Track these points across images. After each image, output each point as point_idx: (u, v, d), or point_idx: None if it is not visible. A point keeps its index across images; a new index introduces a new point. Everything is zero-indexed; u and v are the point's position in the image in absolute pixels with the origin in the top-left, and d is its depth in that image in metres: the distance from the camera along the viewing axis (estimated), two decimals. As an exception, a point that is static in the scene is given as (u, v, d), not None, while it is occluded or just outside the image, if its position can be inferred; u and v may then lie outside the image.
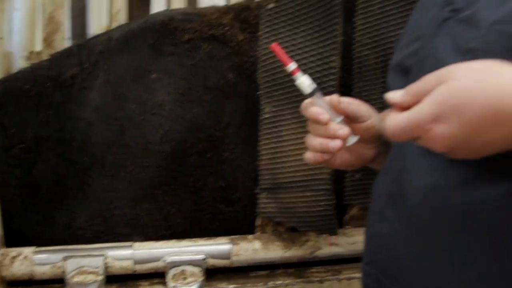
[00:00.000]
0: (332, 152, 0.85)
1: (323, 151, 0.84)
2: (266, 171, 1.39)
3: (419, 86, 0.66)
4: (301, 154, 1.31)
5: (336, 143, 0.82)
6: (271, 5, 1.34)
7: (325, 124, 0.82)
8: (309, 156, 0.89)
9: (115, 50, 1.49)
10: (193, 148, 1.46)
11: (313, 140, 0.86)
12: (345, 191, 1.43)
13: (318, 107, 0.83)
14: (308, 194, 1.32)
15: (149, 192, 1.44)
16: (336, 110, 0.84)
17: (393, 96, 0.68)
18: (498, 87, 0.60)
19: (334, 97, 0.85)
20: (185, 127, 1.47)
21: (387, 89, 0.90)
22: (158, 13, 1.68)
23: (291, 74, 0.83)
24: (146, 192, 1.44)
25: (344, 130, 0.82)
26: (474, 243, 0.69)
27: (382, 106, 1.28)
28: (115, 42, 1.50)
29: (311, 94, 0.83)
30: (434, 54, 0.76)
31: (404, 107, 0.67)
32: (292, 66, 0.82)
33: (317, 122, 0.83)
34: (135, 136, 1.46)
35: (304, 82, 0.82)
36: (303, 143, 1.20)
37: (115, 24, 1.75)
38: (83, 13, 1.79)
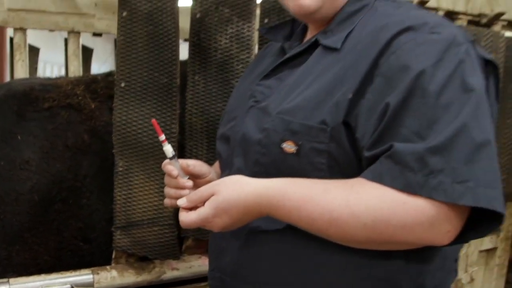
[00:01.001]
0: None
1: (177, 197, 1.23)
2: (120, 212, 1.76)
3: (196, 196, 1.12)
4: (149, 198, 1.74)
5: (185, 192, 1.23)
6: (123, 84, 1.74)
7: (175, 178, 1.24)
8: (166, 201, 1.31)
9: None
10: (57, 197, 1.79)
11: (169, 190, 1.28)
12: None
13: (172, 167, 1.25)
14: (156, 228, 1.73)
15: (20, 235, 1.73)
16: (185, 171, 1.27)
17: (180, 203, 1.14)
18: (244, 194, 1.07)
19: (184, 162, 1.28)
20: (50, 180, 1.78)
21: (217, 152, 1.36)
22: (18, 82, 1.97)
23: (161, 142, 1.22)
24: (17, 235, 1.73)
25: (189, 183, 1.25)
26: (275, 255, 1.16)
27: (207, 160, 1.76)
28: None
29: (171, 158, 1.25)
30: (244, 130, 1.22)
31: (188, 209, 1.12)
32: (163, 137, 1.22)
33: (171, 176, 1.26)
34: (6, 188, 1.74)
35: (168, 149, 1.23)
36: (150, 189, 1.68)
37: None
38: None
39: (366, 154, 1.02)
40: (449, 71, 1.00)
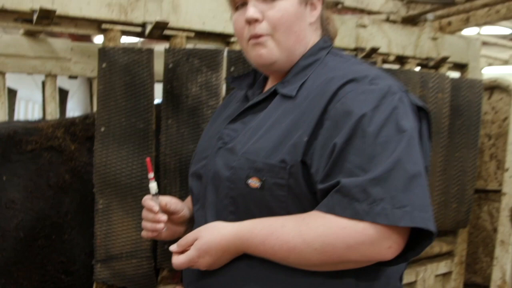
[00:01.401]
0: (158, 231, 1.43)
1: (153, 230, 1.43)
2: (100, 247, 1.91)
3: (184, 241, 1.31)
4: (127, 233, 1.90)
5: (160, 225, 1.41)
6: (103, 129, 1.91)
7: (155, 213, 1.41)
8: (144, 234, 1.47)
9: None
10: (41, 233, 1.93)
11: (146, 224, 1.45)
12: (157, 258, 2.01)
13: (154, 203, 1.41)
14: (134, 261, 1.89)
15: (6, 270, 1.86)
16: (162, 208, 1.43)
17: (172, 248, 1.33)
18: (220, 236, 1.27)
19: (162, 200, 1.45)
20: (34, 217, 1.93)
21: (189, 188, 1.53)
22: (1, 126, 2.11)
23: (149, 179, 1.39)
24: (3, 269, 1.86)
25: (164, 217, 1.41)
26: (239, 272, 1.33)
27: (180, 196, 1.93)
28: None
29: (154, 195, 1.41)
30: (214, 168, 1.40)
31: (180, 252, 1.31)
32: (152, 174, 1.40)
33: (151, 211, 1.42)
34: (-7, 225, 1.88)
35: (154, 186, 1.40)
36: (128, 225, 1.84)
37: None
38: None
39: (319, 186, 1.22)
40: (385, 115, 1.22)
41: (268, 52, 1.38)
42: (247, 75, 1.62)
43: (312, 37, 1.46)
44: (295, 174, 1.26)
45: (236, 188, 1.32)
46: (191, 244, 1.30)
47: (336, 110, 1.25)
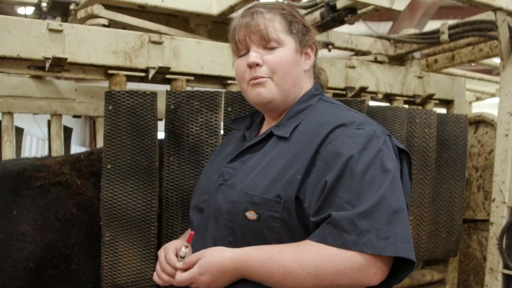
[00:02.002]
0: (171, 284, 1.54)
1: (167, 282, 1.55)
2: (106, 276, 2.03)
3: (189, 259, 1.45)
4: (132, 263, 2.02)
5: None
6: (109, 166, 2.05)
7: (176, 270, 1.50)
8: (156, 279, 1.58)
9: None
10: (49, 263, 2.05)
11: (163, 275, 1.55)
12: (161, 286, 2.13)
13: (175, 259, 1.52)
14: (138, 289, 2.01)
15: (17, 299, 1.98)
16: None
17: (178, 265, 1.47)
18: (222, 258, 1.40)
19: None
20: (43, 248, 2.05)
21: (190, 219, 1.66)
22: (11, 163, 2.25)
23: (185, 246, 1.50)
24: (15, 298, 1.97)
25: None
26: None
27: (181, 228, 2.06)
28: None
29: (182, 257, 1.50)
30: (216, 202, 1.54)
31: (184, 270, 1.45)
32: (189, 244, 1.51)
33: (173, 267, 1.51)
34: (5, 257, 2.00)
35: (184, 251, 1.50)
36: (133, 255, 1.96)
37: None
38: None
39: (312, 219, 1.37)
40: (371, 156, 1.38)
41: (266, 91, 1.55)
42: (245, 117, 1.79)
43: (306, 83, 1.64)
44: (289, 208, 1.41)
45: (235, 219, 1.46)
46: (195, 263, 1.44)
47: (327, 151, 1.41)
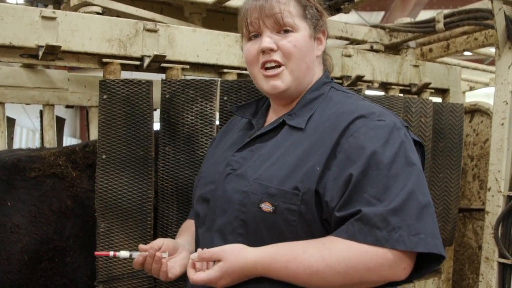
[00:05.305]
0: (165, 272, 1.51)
1: (157, 276, 1.52)
2: (102, 268, 2.00)
3: (206, 255, 1.38)
4: (128, 255, 1.98)
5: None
6: (104, 156, 2.02)
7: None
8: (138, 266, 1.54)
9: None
10: (44, 256, 2.02)
11: (149, 269, 1.52)
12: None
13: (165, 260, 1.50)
14: (135, 281, 1.98)
15: (11, 292, 1.95)
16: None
17: (193, 257, 1.41)
18: (244, 261, 1.36)
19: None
20: (38, 241, 2.02)
21: (195, 211, 1.61)
22: (5, 154, 2.21)
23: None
24: (9, 291, 1.95)
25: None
26: None
27: (177, 219, 2.04)
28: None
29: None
30: (224, 192, 1.48)
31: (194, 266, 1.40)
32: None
33: (158, 262, 1.49)
34: (-1, 249, 1.97)
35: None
36: (129, 246, 1.94)
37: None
38: None
39: (337, 214, 1.33)
40: (395, 149, 1.36)
41: (282, 83, 1.50)
42: (249, 104, 1.74)
43: (317, 70, 1.60)
44: (307, 201, 1.37)
45: (248, 211, 1.41)
46: (211, 260, 1.38)
47: (349, 144, 1.37)
